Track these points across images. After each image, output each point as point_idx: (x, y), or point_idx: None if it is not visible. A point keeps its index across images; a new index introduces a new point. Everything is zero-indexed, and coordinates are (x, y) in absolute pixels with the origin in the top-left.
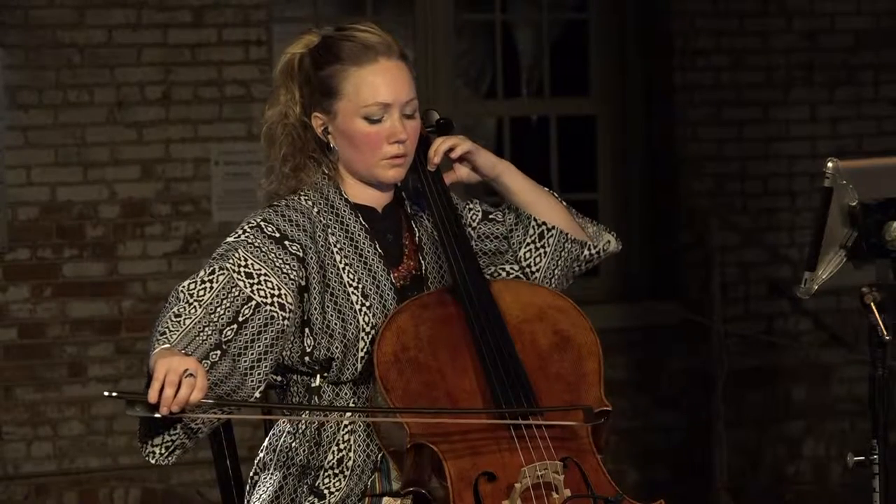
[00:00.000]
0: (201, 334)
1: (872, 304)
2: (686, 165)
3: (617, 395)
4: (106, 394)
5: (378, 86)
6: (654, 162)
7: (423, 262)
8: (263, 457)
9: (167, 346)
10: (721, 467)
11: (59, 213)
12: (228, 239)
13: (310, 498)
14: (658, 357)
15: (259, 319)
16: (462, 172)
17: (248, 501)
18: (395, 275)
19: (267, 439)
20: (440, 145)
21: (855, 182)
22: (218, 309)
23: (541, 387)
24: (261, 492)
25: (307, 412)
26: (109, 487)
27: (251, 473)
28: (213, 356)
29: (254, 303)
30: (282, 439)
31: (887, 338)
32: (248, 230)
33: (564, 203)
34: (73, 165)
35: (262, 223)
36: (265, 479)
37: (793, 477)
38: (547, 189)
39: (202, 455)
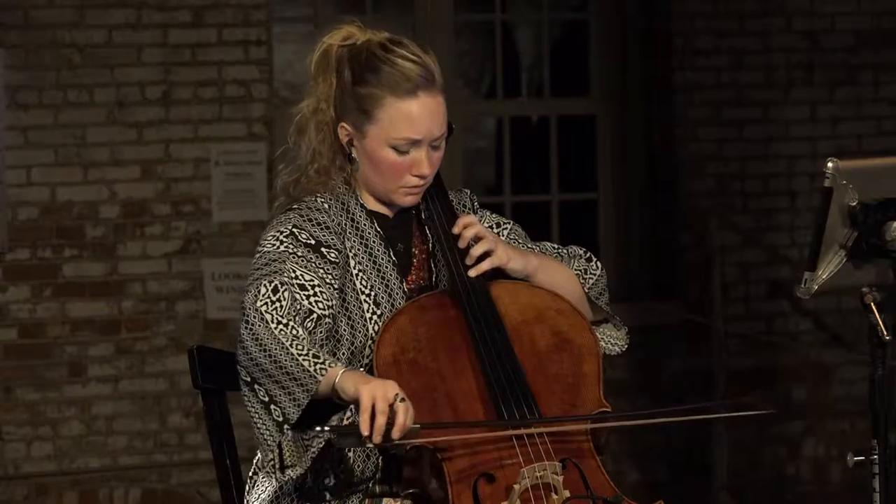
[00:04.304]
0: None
1: (872, 304)
2: (686, 165)
3: (617, 395)
4: (318, 428)
5: (413, 122)
6: (654, 162)
7: (434, 269)
8: (262, 456)
9: (342, 367)
10: (721, 467)
11: (59, 213)
12: (265, 249)
13: (308, 501)
14: (658, 357)
15: (321, 332)
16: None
17: (247, 501)
18: (405, 286)
19: None
20: (475, 249)
21: (855, 182)
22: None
23: (540, 388)
24: (259, 491)
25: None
26: (109, 487)
27: (250, 473)
28: None
29: (315, 315)
30: None
31: (887, 338)
32: (285, 240)
33: (600, 298)
34: (73, 165)
35: (294, 230)
36: (264, 478)
37: (793, 477)
38: (577, 276)
39: (202, 455)
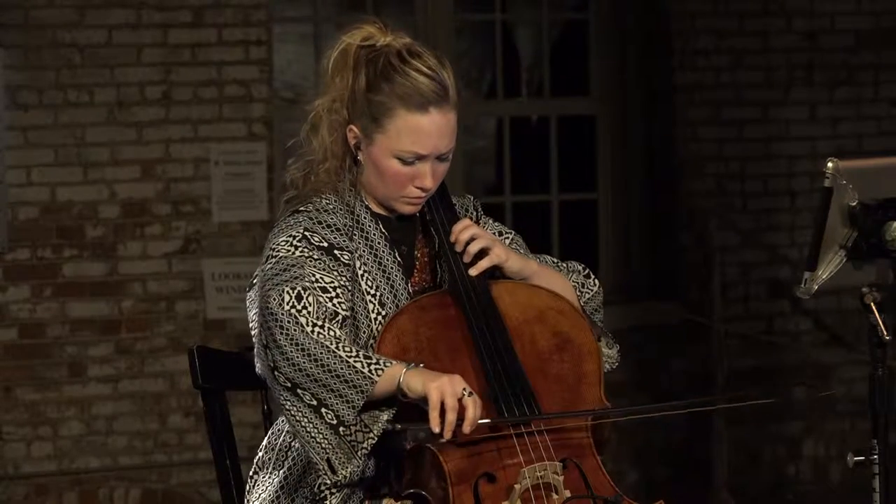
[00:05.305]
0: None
1: (872, 304)
2: (686, 165)
3: (617, 395)
4: (389, 425)
5: (420, 138)
6: (654, 162)
7: (438, 271)
8: (262, 456)
9: (403, 365)
10: (721, 467)
11: (59, 213)
12: (280, 254)
13: (308, 501)
14: (658, 357)
15: (346, 333)
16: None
17: (248, 501)
18: (410, 288)
19: (266, 438)
20: (471, 246)
21: (855, 182)
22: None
23: (540, 388)
24: (260, 491)
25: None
26: (109, 487)
27: (250, 473)
28: None
29: (340, 317)
30: (281, 438)
31: (887, 338)
32: (299, 244)
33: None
34: (73, 165)
35: (306, 234)
36: (264, 478)
37: (793, 477)
38: (574, 285)
39: (202, 455)
